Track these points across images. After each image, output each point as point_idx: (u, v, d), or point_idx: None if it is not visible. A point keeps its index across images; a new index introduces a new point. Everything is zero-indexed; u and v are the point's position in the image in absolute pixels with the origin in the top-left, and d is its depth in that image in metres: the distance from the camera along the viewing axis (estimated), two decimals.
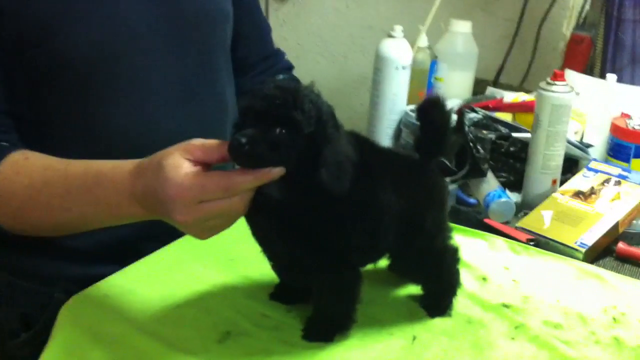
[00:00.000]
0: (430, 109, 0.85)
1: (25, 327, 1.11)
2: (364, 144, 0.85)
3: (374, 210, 0.82)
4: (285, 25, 2.65)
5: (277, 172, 0.76)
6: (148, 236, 1.04)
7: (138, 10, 1.05)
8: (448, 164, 1.31)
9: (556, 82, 1.23)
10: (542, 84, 1.24)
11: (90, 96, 1.04)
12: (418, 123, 0.88)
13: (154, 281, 0.96)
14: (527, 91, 1.78)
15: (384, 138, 1.48)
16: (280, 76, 1.31)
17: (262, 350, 0.84)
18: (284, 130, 0.74)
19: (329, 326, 0.86)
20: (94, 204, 0.90)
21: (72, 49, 1.00)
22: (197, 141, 0.80)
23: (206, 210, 0.78)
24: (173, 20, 1.08)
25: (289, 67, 1.37)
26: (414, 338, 0.87)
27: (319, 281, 0.85)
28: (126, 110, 1.06)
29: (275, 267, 0.91)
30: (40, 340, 0.97)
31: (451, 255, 0.92)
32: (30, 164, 0.96)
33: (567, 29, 1.73)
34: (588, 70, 1.78)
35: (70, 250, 1.08)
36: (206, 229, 0.81)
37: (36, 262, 1.10)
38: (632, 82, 1.69)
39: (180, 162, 0.79)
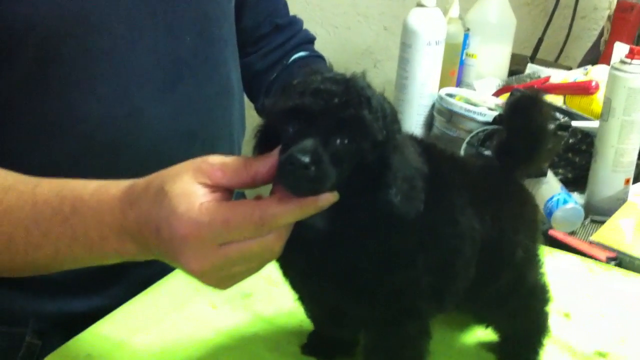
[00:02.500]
0: (528, 107, 0.65)
1: None
2: (432, 152, 0.64)
3: (451, 238, 0.62)
4: None
5: (328, 198, 0.55)
6: (135, 261, 0.81)
7: None
8: None
9: (633, 61, 1.01)
10: (616, 63, 1.03)
11: (56, 79, 0.79)
12: (505, 124, 0.67)
13: (149, 328, 0.75)
14: (566, 67, 1.57)
15: (414, 126, 1.26)
16: (301, 53, 1.08)
17: None
18: (346, 140, 0.53)
19: None
20: (71, 238, 0.67)
21: (29, 16, 0.75)
22: (215, 159, 0.58)
23: (230, 254, 0.57)
24: None
25: (310, 40, 1.13)
26: None
27: (374, 336, 0.64)
28: (104, 97, 0.82)
29: (314, 316, 0.70)
30: None
31: (541, 295, 0.71)
32: None
33: None
34: (635, 43, 1.57)
35: (42, 281, 0.84)
36: (228, 277, 0.60)
37: (1, 298, 0.87)
38: None
39: (192, 189, 0.57)
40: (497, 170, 0.68)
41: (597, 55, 1.58)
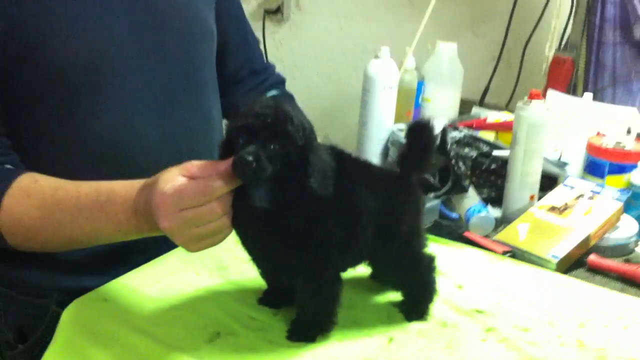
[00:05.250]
0: (419, 130, 0.93)
1: (21, 338, 1.15)
2: (341, 155, 0.92)
3: (351, 210, 0.89)
4: (281, 47, 2.74)
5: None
6: (137, 249, 1.08)
7: (123, 26, 1.09)
8: (432, 180, 1.38)
9: (532, 102, 1.30)
10: (519, 104, 1.32)
11: (78, 109, 1.08)
12: (405, 140, 0.95)
13: (148, 287, 1.03)
14: (513, 111, 1.85)
15: (373, 155, 1.55)
16: (273, 92, 1.37)
17: (249, 349, 0.90)
18: (277, 145, 0.82)
19: (312, 327, 0.92)
20: (105, 220, 0.95)
21: (60, 64, 1.04)
22: (196, 161, 0.87)
23: (187, 216, 0.84)
24: (158, 35, 1.13)
25: (281, 81, 1.42)
26: (391, 339, 0.93)
27: (302, 283, 0.91)
28: (112, 122, 1.10)
29: (263, 273, 0.98)
30: (37, 351, 1.03)
31: (427, 262, 0.98)
32: (40, 186, 1.01)
33: (549, 50, 1.80)
34: (571, 90, 1.86)
35: (64, 262, 1.13)
36: (193, 239, 0.86)
37: (32, 275, 1.14)
38: (613, 101, 1.77)
39: (173, 177, 0.85)
40: (393, 172, 0.96)
41: None
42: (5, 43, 1.00)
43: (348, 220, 0.89)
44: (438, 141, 1.39)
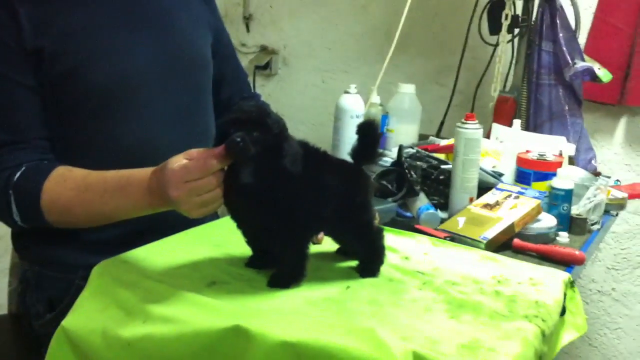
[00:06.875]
0: (367, 127, 1.22)
1: (49, 309, 1.39)
2: (307, 146, 1.19)
3: (315, 187, 1.16)
4: (270, 99, 3.07)
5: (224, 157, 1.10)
6: (149, 231, 1.34)
7: (146, 54, 1.39)
8: (390, 187, 1.67)
9: (468, 122, 1.61)
10: (458, 124, 1.62)
11: (107, 119, 1.36)
12: (357, 136, 1.23)
13: (158, 254, 1.29)
14: None
15: None
16: None
17: (238, 292, 1.16)
18: (258, 133, 1.09)
19: (287, 277, 1.19)
20: (125, 198, 1.22)
21: (95, 82, 1.32)
22: (195, 149, 1.14)
23: (191, 187, 1.10)
24: (172, 64, 1.43)
25: (267, 106, 1.74)
26: (348, 287, 1.21)
27: (279, 244, 1.18)
28: (134, 130, 1.38)
29: (248, 241, 1.25)
30: (62, 319, 1.20)
31: (377, 231, 1.26)
32: (74, 173, 1.29)
33: (494, 91, 2.13)
34: (510, 123, 2.17)
35: (88, 243, 1.38)
36: (195, 205, 1.12)
37: (62, 254, 1.39)
38: (551, 133, 2.08)
39: (179, 159, 1.13)
40: (348, 162, 1.25)
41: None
42: (55, 61, 1.30)
43: (312, 195, 1.16)
44: (395, 156, 1.70)
